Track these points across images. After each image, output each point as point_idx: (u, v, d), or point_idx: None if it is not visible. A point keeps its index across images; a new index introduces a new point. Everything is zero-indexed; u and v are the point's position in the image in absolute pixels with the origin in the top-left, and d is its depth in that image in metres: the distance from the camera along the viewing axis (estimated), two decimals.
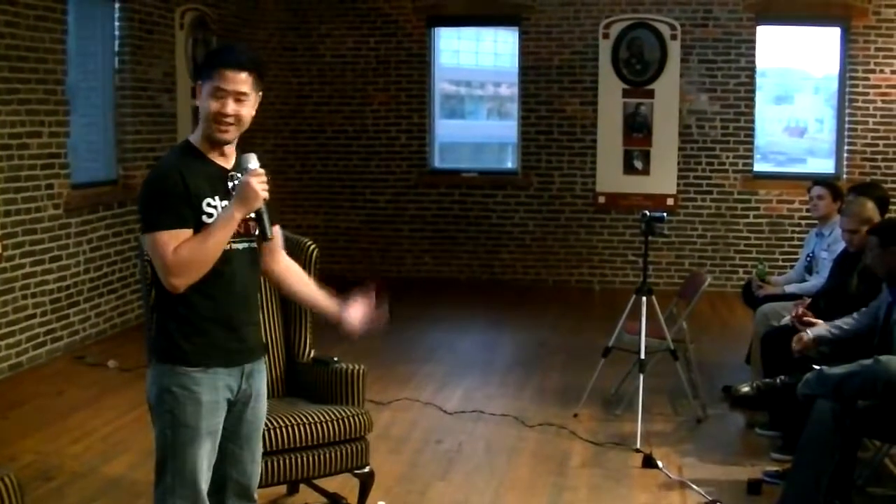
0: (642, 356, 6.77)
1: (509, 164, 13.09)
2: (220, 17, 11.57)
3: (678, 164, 12.17)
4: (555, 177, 12.46)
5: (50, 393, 7.76)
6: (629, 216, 12.17)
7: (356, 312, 4.06)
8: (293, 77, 12.83)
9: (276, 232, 3.93)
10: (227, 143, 3.80)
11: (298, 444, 4.72)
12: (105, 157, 9.94)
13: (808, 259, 8.13)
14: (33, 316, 8.52)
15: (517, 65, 12.59)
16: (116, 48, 9.99)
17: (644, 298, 6.89)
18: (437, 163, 12.94)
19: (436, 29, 12.81)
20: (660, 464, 6.15)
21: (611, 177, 12.28)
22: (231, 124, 3.75)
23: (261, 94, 3.84)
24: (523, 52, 12.48)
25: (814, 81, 13.47)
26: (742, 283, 9.70)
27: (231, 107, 3.72)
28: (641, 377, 6.73)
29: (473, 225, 12.61)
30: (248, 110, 3.78)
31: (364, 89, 12.61)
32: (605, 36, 12.16)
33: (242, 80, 3.74)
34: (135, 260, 10.01)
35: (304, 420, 4.76)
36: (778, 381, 6.00)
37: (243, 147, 3.89)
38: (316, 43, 12.63)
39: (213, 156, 3.81)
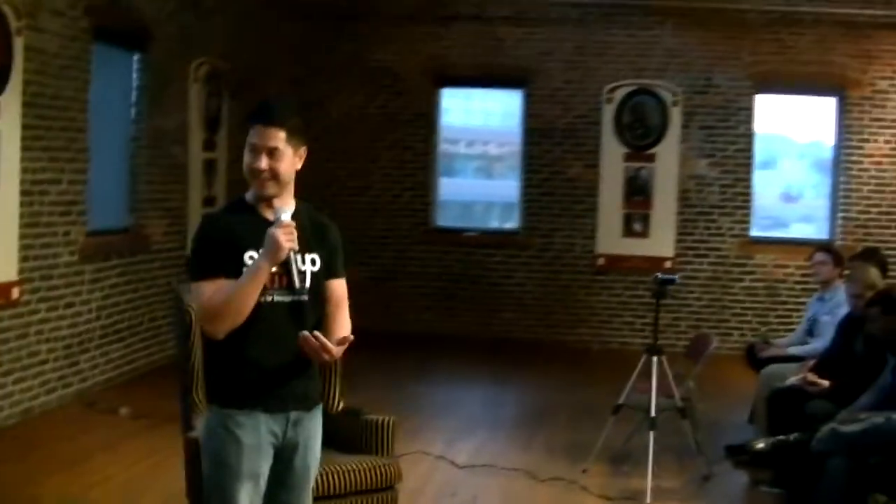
0: (653, 414, 6.91)
1: (507, 224, 13.30)
2: (233, 70, 11.76)
3: (676, 227, 12.38)
4: (556, 237, 12.67)
5: (64, 438, 7.85)
6: (628, 278, 12.37)
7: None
8: (308, 132, 12.97)
9: (337, 285, 4.06)
10: (269, 197, 3.92)
11: (333, 493, 4.84)
12: (119, 206, 10.08)
13: (810, 323, 8.32)
14: (46, 361, 8.62)
15: (521, 126, 12.85)
16: (133, 99, 10.19)
17: (654, 358, 7.04)
18: (440, 221, 13.13)
19: (442, 89, 13.07)
20: None
21: (611, 239, 12.50)
22: (267, 179, 3.87)
23: (304, 148, 3.96)
24: (528, 114, 12.73)
25: (798, 147, 13.78)
26: (738, 345, 9.91)
27: (265, 162, 3.85)
28: (652, 434, 6.86)
29: (474, 283, 12.77)
30: (284, 165, 3.88)
31: (370, 146, 12.81)
32: (609, 100, 12.44)
33: (274, 136, 3.86)
34: (145, 308, 10.18)
35: (338, 469, 4.88)
36: (791, 437, 6.16)
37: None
38: (324, 98, 12.80)
39: (263, 209, 3.94)
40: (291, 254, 3.82)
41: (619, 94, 12.43)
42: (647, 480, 6.75)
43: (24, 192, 8.19)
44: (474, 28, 12.66)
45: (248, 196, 3.98)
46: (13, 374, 8.12)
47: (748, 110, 12.33)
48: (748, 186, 12.42)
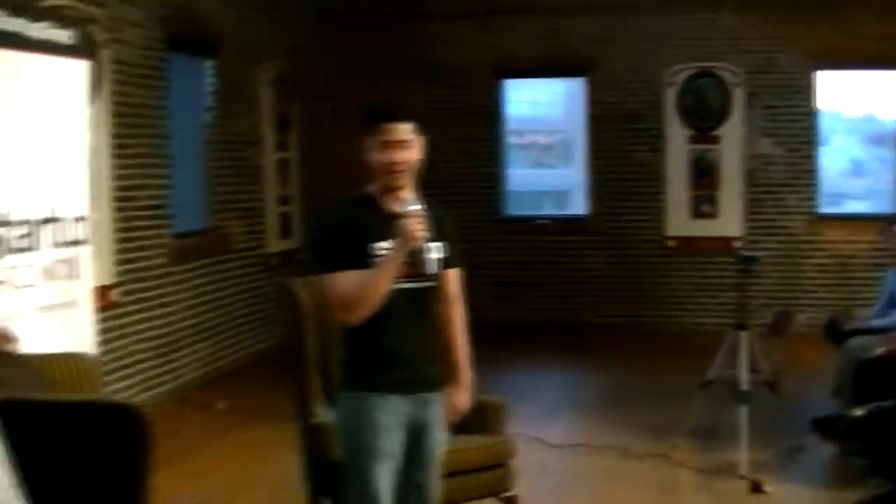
0: (743, 388, 7.06)
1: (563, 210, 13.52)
2: (299, 72, 12.01)
3: (744, 207, 12.49)
4: (624, 221, 12.83)
5: (167, 433, 8.00)
6: (698, 259, 12.52)
7: (456, 402, 4.39)
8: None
9: (452, 275, 4.29)
10: (402, 188, 4.15)
11: (452, 471, 5.03)
12: (199, 209, 10.36)
13: (891, 295, 8.41)
14: (141, 361, 8.90)
15: (584, 113, 13.01)
16: (207, 104, 10.46)
17: (742, 333, 7.19)
18: (509, 210, 13.33)
19: (505, 81, 13.27)
20: (768, 489, 6.45)
21: (679, 221, 12.63)
22: (401, 170, 4.11)
23: (422, 137, 4.18)
24: (590, 102, 12.90)
25: (849, 122, 13.86)
26: (811, 322, 9.98)
27: (399, 155, 4.09)
28: (743, 408, 7.00)
29: (546, 269, 12.95)
30: (415, 154, 4.14)
31: (438, 140, 12.95)
32: (671, 84, 12.55)
33: (403, 129, 4.10)
34: (229, 307, 10.45)
35: (456, 448, 5.08)
36: (888, 403, 6.30)
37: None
38: (390, 96, 12.96)
39: (388, 201, 4.15)
40: (421, 243, 4.02)
41: (681, 78, 12.54)
42: (738, 453, 6.86)
43: (116, 199, 8.47)
44: (533, 20, 12.79)
45: (371, 189, 4.19)
46: (116, 374, 8.39)
47: (809, 88, 12.39)
48: (813, 163, 12.49)
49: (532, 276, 12.99)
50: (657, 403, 8.82)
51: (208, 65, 10.44)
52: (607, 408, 8.89)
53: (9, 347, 3.59)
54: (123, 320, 8.62)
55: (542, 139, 15.03)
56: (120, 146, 8.55)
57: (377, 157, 4.11)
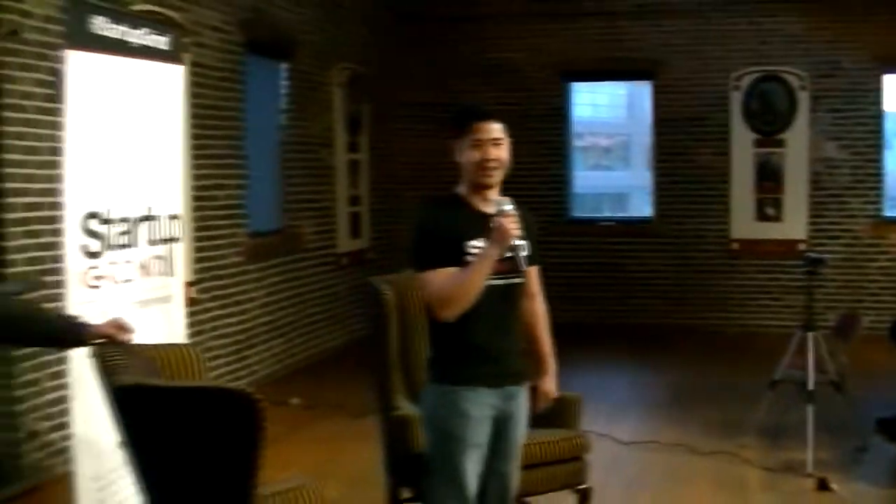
0: (810, 387, 7.18)
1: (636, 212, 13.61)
2: (370, 75, 12.26)
3: (809, 210, 12.56)
4: (689, 224, 12.94)
5: None
6: (762, 261, 12.61)
7: (547, 390, 4.64)
8: (436, 132, 13.40)
9: (533, 272, 4.46)
10: (493, 186, 4.33)
11: (531, 463, 5.21)
12: (273, 208, 10.60)
13: None
14: (217, 357, 9.15)
15: (650, 116, 13.14)
16: (282, 105, 10.71)
17: (809, 334, 7.31)
18: (575, 212, 13.47)
19: (571, 83, 13.45)
20: (834, 486, 6.57)
21: (744, 223, 12.72)
22: (495, 168, 4.29)
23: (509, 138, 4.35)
24: (657, 105, 13.05)
25: None
26: (875, 326, 10.04)
27: (492, 152, 4.27)
28: (810, 407, 7.12)
29: (611, 271, 13.10)
30: (506, 153, 4.31)
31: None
32: (736, 88, 12.65)
33: (495, 128, 4.29)
34: (301, 305, 10.68)
35: (535, 440, 5.26)
36: None
37: (507, 188, 4.42)
38: (456, 98, 13.16)
39: (476, 201, 4.34)
40: (516, 241, 4.20)
41: (746, 82, 12.64)
42: (805, 452, 6.99)
43: (194, 198, 8.72)
44: (598, 23, 12.96)
45: (460, 189, 4.39)
46: None
47: (876, 91, 12.44)
48: (879, 167, 12.54)
49: (597, 277, 13.13)
50: (724, 403, 8.96)
51: (283, 67, 10.70)
52: (675, 407, 9.04)
53: (125, 337, 3.82)
54: (201, 317, 8.87)
55: (603, 141, 15.19)
56: (198, 147, 8.80)
57: (470, 156, 4.28)
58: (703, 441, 7.77)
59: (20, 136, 6.68)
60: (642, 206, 17.86)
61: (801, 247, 12.27)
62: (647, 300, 13.04)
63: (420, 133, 13.15)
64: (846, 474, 6.93)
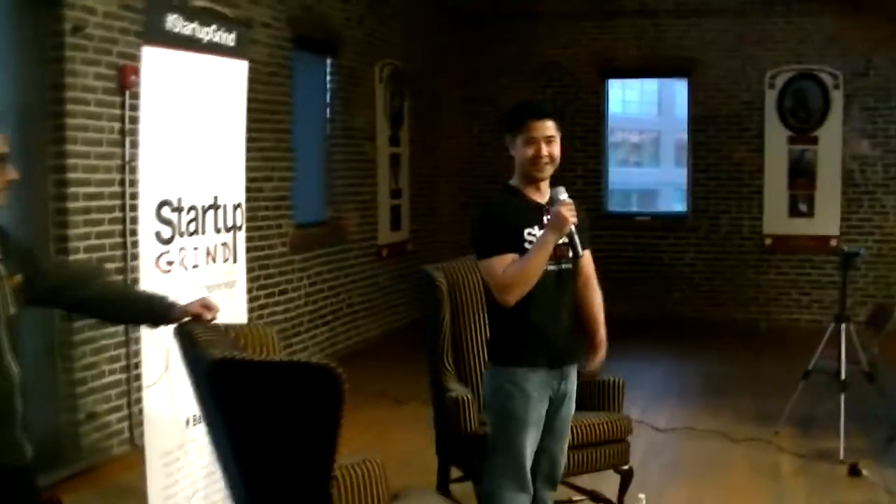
0: (843, 377, 7.41)
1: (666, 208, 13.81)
2: (411, 70, 12.54)
3: (841, 206, 12.76)
4: (723, 219, 13.17)
5: None
6: (795, 256, 12.83)
7: (599, 355, 4.89)
8: (475, 126, 13.71)
9: (587, 256, 4.71)
10: (545, 180, 4.61)
11: (578, 443, 5.46)
12: (317, 200, 10.88)
13: None
14: None
15: (687, 114, 13.39)
16: (327, 100, 10.99)
17: (842, 325, 7.54)
18: (611, 206, 13.72)
19: (608, 80, 13.69)
20: (865, 472, 6.81)
21: (777, 219, 12.94)
22: (547, 163, 4.56)
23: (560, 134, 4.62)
24: (693, 102, 13.27)
25: None
26: None
27: (544, 149, 4.54)
28: (843, 396, 7.35)
29: (646, 265, 13.33)
30: (557, 149, 4.59)
31: None
32: (771, 86, 12.86)
33: (548, 126, 4.56)
34: (344, 295, 10.96)
35: (582, 422, 5.52)
36: None
37: (554, 181, 4.69)
38: (495, 94, 13.44)
39: (530, 192, 4.63)
40: (572, 227, 4.46)
41: (781, 80, 12.83)
42: (838, 440, 7.22)
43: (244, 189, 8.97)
44: (638, 21, 13.19)
45: (514, 182, 4.66)
46: None
47: None
48: None
49: (632, 271, 13.34)
50: (757, 393, 9.21)
51: (329, 62, 10.96)
52: (709, 396, 9.29)
53: (211, 315, 4.10)
54: (248, 305, 9.11)
55: (633, 137, 15.40)
56: (249, 140, 9.01)
57: (524, 152, 4.56)
58: (738, 429, 8.03)
59: (83, 128, 6.95)
60: (671, 202, 18.09)
61: (833, 243, 12.47)
62: (681, 294, 13.26)
63: (460, 129, 13.43)
64: (877, 461, 7.17)
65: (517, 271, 4.44)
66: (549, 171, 4.60)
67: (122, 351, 7.34)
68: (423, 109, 12.98)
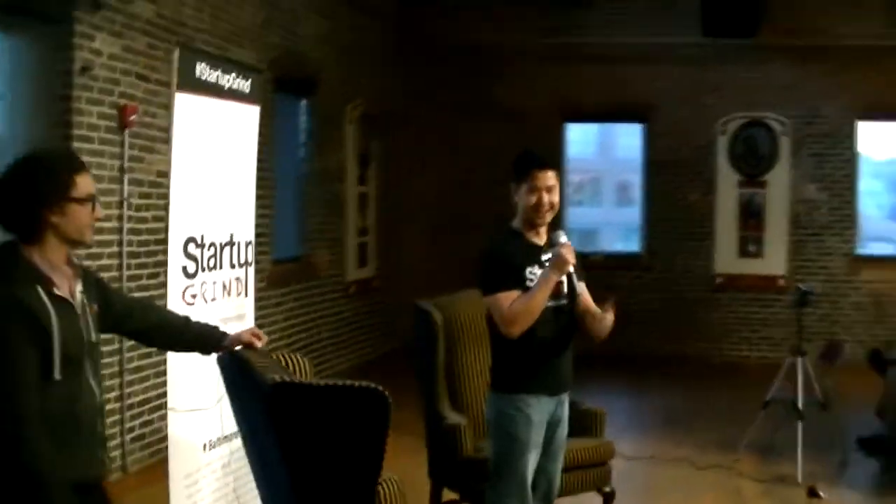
0: (800, 406, 7.93)
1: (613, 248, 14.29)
2: (379, 111, 12.95)
3: (788, 247, 13.37)
4: (676, 259, 13.72)
5: None
6: (744, 295, 13.39)
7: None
8: (446, 166, 14.15)
9: (583, 287, 5.14)
10: (544, 225, 5.06)
11: (567, 466, 5.84)
12: (293, 238, 11.27)
13: None
14: None
15: (642, 157, 13.99)
16: (302, 140, 11.40)
17: (799, 359, 8.07)
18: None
19: (567, 124, 14.21)
20: (823, 494, 7.32)
21: (727, 259, 13.53)
22: (547, 210, 5.02)
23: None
24: (648, 147, 13.86)
25: (874, 166, 15.11)
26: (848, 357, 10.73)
27: (546, 198, 5.00)
28: (800, 424, 7.86)
29: (598, 302, 13.64)
30: (557, 197, 5.05)
31: (505, 179, 13.70)
32: (723, 132, 13.48)
33: (549, 176, 5.01)
34: (315, 329, 11.32)
35: (573, 446, 5.90)
36: None
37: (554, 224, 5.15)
38: (458, 135, 13.85)
39: (531, 235, 5.07)
40: (571, 267, 4.91)
41: (733, 127, 13.44)
42: (796, 465, 7.74)
43: None
44: (600, 68, 13.63)
45: (516, 224, 5.11)
46: None
47: (851, 137, 13.28)
48: (854, 207, 13.38)
49: None
50: (716, 424, 9.70)
51: (304, 104, 11.36)
52: (671, 427, 9.81)
53: (261, 343, 4.49)
54: None
55: (575, 178, 15.72)
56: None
57: (527, 199, 5.00)
58: (701, 456, 8.52)
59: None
60: (613, 242, 18.65)
61: (781, 282, 13.03)
62: (636, 330, 13.67)
63: (424, 169, 13.80)
64: (833, 484, 7.70)
65: (522, 306, 4.85)
66: (549, 217, 5.04)
67: (117, 381, 7.67)
68: (389, 149, 13.37)
